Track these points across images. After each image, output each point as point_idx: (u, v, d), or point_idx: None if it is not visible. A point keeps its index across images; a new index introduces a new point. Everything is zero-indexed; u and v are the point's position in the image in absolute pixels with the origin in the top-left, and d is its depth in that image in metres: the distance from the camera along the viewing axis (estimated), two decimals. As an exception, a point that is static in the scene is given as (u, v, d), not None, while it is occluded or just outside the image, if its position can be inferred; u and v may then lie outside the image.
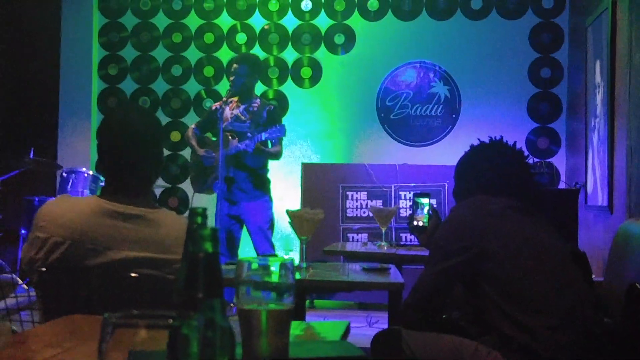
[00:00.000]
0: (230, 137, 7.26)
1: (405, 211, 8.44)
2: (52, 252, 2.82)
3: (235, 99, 7.41)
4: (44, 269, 2.81)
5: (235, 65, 7.42)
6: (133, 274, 2.77)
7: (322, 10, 9.70)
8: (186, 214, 1.80)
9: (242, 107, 7.40)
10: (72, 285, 2.79)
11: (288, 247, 8.73)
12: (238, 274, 1.58)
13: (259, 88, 9.14)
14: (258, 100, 7.51)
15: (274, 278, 1.59)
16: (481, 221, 3.34)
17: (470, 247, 3.27)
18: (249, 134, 7.21)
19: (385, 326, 4.43)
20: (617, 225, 5.20)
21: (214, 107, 7.64)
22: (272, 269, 1.59)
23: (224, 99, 7.35)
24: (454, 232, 3.38)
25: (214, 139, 7.58)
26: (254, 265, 1.59)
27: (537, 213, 3.46)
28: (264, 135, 7.16)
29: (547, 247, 3.32)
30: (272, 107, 7.61)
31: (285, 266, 1.59)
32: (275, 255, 6.72)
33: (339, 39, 9.68)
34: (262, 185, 7.42)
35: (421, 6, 9.57)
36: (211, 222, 6.20)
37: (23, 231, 8.24)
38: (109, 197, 2.93)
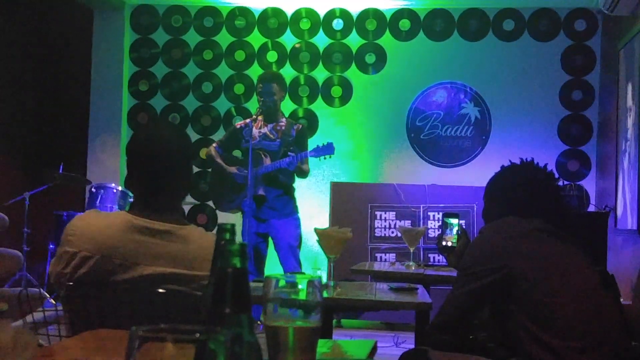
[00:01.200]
0: (263, 156, 7.27)
1: (434, 232, 8.42)
2: (80, 267, 2.82)
3: (260, 117, 7.41)
4: (71, 283, 2.81)
5: (263, 85, 7.41)
6: (160, 290, 2.76)
7: (354, 30, 9.71)
8: (215, 230, 1.80)
9: (269, 125, 7.41)
10: (99, 299, 2.79)
11: (316, 266, 8.71)
12: (266, 290, 1.57)
13: (289, 106, 9.18)
14: (284, 119, 7.53)
15: (302, 295, 1.58)
16: (510, 243, 3.32)
17: (499, 269, 3.25)
18: (290, 153, 7.21)
19: (412, 346, 4.41)
20: (647, 250, 5.17)
21: (238, 126, 7.65)
22: (300, 286, 1.58)
23: (254, 116, 7.37)
24: (482, 254, 3.36)
25: (241, 157, 7.58)
26: (282, 283, 1.58)
27: (567, 235, 3.43)
28: (309, 153, 7.20)
29: (576, 269, 3.30)
30: (301, 126, 7.63)
31: (313, 284, 1.58)
32: (303, 273, 6.71)
33: (370, 58, 9.69)
34: (292, 203, 7.43)
35: (453, 27, 9.57)
36: (238, 239, 6.19)
37: (51, 246, 8.29)
38: (138, 212, 2.93)
